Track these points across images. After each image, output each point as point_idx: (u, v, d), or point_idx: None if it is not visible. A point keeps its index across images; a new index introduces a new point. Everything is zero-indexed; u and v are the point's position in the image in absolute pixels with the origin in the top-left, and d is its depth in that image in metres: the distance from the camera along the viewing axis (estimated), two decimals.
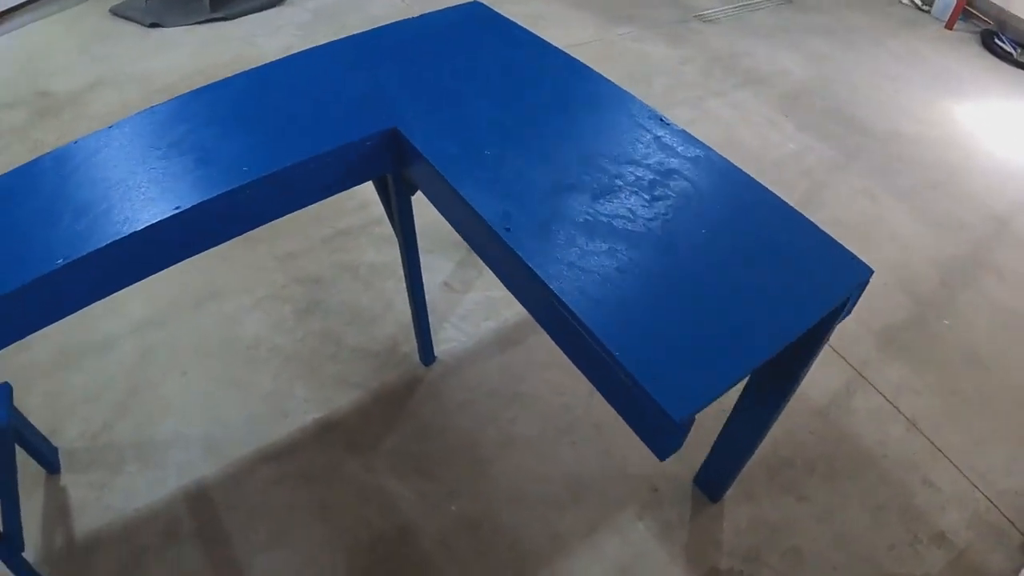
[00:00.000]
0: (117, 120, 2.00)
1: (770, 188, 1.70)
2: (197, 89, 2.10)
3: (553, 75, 2.07)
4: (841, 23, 5.44)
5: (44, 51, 5.33)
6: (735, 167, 1.74)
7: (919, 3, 5.58)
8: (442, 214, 1.88)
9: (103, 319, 3.20)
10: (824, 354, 2.76)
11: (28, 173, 1.89)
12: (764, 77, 4.71)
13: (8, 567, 2.09)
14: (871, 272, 1.56)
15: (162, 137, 1.92)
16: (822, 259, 1.55)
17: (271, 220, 1.86)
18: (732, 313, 1.42)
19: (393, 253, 3.27)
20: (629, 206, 1.63)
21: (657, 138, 1.81)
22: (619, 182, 1.69)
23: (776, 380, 1.87)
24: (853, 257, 1.56)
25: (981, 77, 4.84)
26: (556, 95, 1.99)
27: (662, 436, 1.34)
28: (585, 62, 2.13)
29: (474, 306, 3.03)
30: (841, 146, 4.12)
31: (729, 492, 2.47)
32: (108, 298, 2.94)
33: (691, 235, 1.57)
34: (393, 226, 2.39)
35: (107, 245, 1.61)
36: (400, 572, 2.32)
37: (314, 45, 2.25)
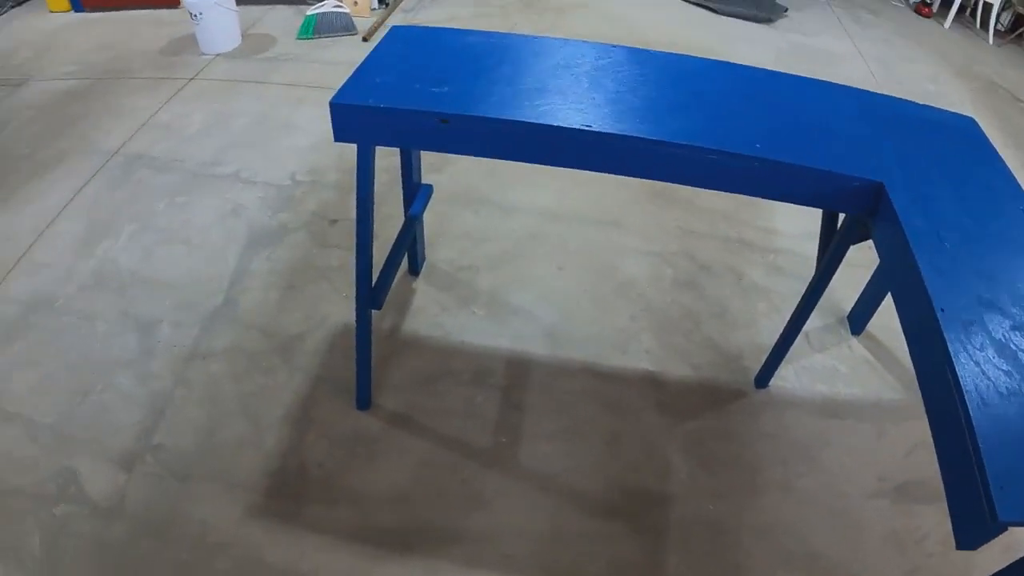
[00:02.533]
0: (588, 39, 2.42)
1: None
2: (719, 61, 2.46)
3: (1019, 214, 2.12)
4: None
5: None
6: None
7: None
8: (883, 268, 2.06)
9: (515, 191, 3.65)
10: None
11: (545, 45, 2.41)
12: None
13: (358, 311, 2.49)
14: None
15: (687, 84, 2.30)
16: None
17: (737, 192, 2.15)
18: None
19: (777, 282, 3.42)
20: None
21: None
22: None
23: None
24: None
25: None
26: (1015, 229, 2.04)
27: (977, 526, 1.45)
28: None
29: (819, 367, 3.10)
30: None
31: None
32: (525, 177, 3.33)
33: None
34: (819, 261, 2.56)
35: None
36: (637, 529, 2.49)
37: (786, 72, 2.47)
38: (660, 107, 2.14)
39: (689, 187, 3.54)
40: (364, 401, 2.67)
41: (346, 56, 5.08)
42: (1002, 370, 1.63)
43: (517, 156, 2.11)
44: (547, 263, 3.35)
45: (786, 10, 6.31)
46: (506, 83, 2.16)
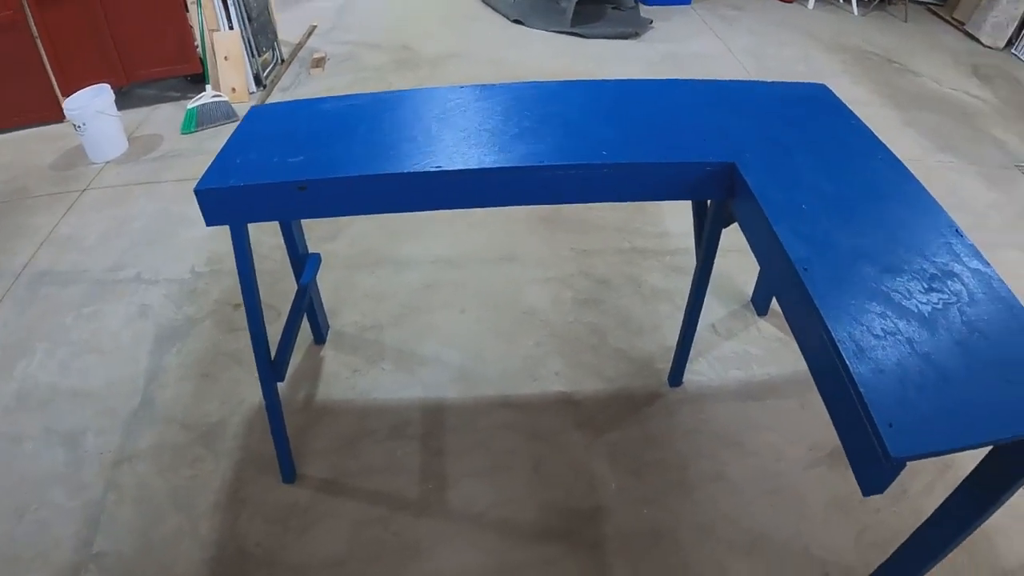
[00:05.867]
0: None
1: None
2: (571, 80, 2.55)
3: (875, 165, 2.21)
4: None
5: (415, 14, 6.46)
6: (1008, 290, 1.81)
7: None
8: (751, 245, 2.14)
9: (408, 245, 3.73)
10: None
11: (399, 98, 2.50)
12: None
13: (263, 386, 2.53)
14: None
15: (537, 109, 2.38)
16: None
17: (602, 200, 2.23)
18: (974, 395, 1.53)
19: (676, 282, 3.53)
20: (908, 287, 1.76)
21: (949, 244, 1.91)
22: (905, 266, 1.82)
23: (978, 494, 1.91)
24: None
25: None
26: (873, 181, 2.15)
27: (875, 469, 1.52)
28: None
29: (730, 354, 3.19)
30: None
31: None
32: (420, 230, 3.40)
33: (954, 326, 1.68)
34: (697, 250, 2.63)
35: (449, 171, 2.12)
36: (577, 545, 2.53)
37: None
38: (506, 136, 2.22)
39: (579, 208, 3.65)
40: (289, 473, 2.69)
41: None
42: (875, 312, 1.70)
43: (377, 209, 2.19)
44: (448, 309, 3.43)
45: (651, 22, 6.50)
46: (360, 142, 2.24)
